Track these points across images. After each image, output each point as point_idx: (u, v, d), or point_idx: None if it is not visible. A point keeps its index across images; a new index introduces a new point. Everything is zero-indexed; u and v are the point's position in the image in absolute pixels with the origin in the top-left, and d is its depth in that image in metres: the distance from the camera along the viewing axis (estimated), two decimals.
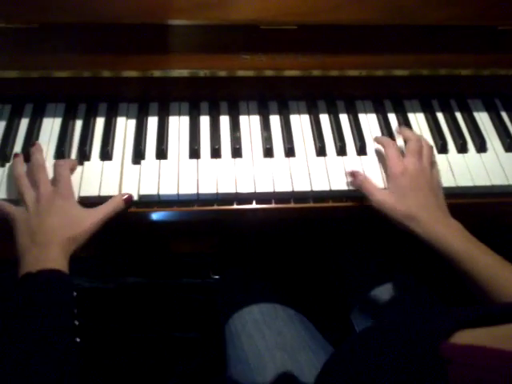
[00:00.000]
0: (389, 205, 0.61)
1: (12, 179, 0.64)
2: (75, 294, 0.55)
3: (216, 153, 0.69)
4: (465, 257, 0.56)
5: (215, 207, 0.66)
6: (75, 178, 0.65)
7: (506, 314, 0.39)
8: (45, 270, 0.53)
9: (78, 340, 0.52)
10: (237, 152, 0.69)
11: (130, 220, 0.67)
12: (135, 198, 0.64)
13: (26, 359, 0.47)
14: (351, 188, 0.67)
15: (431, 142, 0.73)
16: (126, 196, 0.63)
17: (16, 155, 0.65)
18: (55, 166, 0.63)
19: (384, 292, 0.76)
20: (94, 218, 0.60)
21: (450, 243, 0.57)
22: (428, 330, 0.39)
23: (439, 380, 0.33)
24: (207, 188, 0.65)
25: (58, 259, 0.55)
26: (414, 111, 0.77)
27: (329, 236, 0.92)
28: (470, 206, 0.69)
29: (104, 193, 0.64)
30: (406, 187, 0.61)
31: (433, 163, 0.67)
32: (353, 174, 0.66)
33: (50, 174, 0.64)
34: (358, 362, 0.42)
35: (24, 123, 0.71)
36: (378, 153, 0.71)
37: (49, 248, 0.55)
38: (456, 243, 0.57)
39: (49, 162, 0.66)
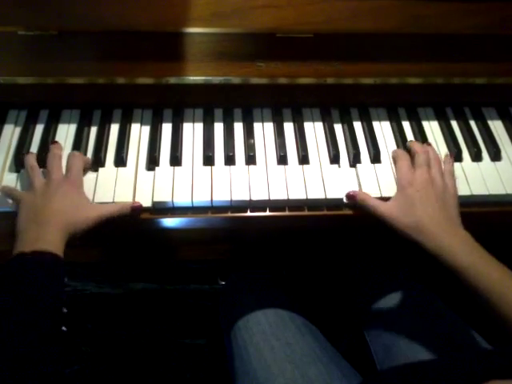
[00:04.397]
0: (394, 216, 0.61)
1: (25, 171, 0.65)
2: (66, 279, 0.55)
3: (230, 160, 0.69)
4: (471, 271, 0.55)
5: (229, 214, 0.66)
6: (90, 184, 0.65)
7: None
8: (39, 251, 0.53)
9: (64, 329, 0.51)
10: (251, 159, 0.69)
11: (144, 227, 0.67)
12: (149, 204, 0.64)
13: (7, 340, 0.46)
14: None
15: (445, 150, 0.73)
16: (135, 204, 0.63)
17: (28, 152, 0.67)
18: (68, 156, 0.65)
19: (395, 301, 0.75)
20: (97, 211, 0.60)
21: (456, 256, 0.56)
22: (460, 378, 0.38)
23: None
24: (221, 195, 0.65)
25: (54, 241, 0.55)
26: (428, 119, 0.77)
27: (340, 244, 0.92)
28: (484, 214, 0.69)
29: (118, 199, 0.64)
30: (413, 198, 0.61)
31: (448, 173, 0.66)
32: (351, 196, 0.66)
33: None
34: None
35: (39, 129, 0.72)
36: (392, 161, 0.71)
37: (47, 228, 0.55)
38: (462, 256, 0.56)
39: (63, 167, 0.67)
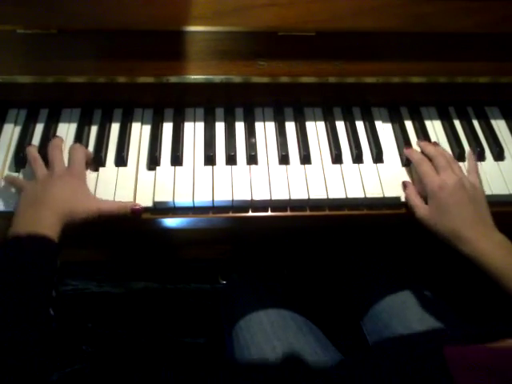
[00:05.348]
0: (432, 221, 0.61)
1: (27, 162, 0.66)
2: (59, 263, 0.55)
3: (231, 159, 0.68)
4: (506, 274, 0.55)
5: (230, 214, 0.65)
6: (90, 183, 0.65)
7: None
8: (33, 234, 0.53)
9: (52, 313, 0.51)
10: (252, 159, 0.69)
11: (145, 227, 0.67)
12: (150, 204, 0.64)
13: None
14: (367, 196, 0.66)
15: (448, 149, 0.73)
16: (136, 207, 0.63)
17: (29, 145, 0.68)
18: (70, 149, 0.65)
19: (394, 299, 0.75)
20: (97, 204, 0.61)
21: (493, 261, 0.56)
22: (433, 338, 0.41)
23: (443, 378, 0.35)
24: (222, 195, 0.65)
25: (50, 224, 0.55)
26: (431, 118, 0.76)
27: (340, 244, 0.92)
28: None
29: (119, 199, 0.64)
30: (447, 203, 0.61)
31: (474, 172, 0.67)
32: (404, 185, 0.67)
33: None
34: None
35: (39, 128, 0.71)
36: (394, 161, 0.70)
37: (44, 211, 0.56)
38: (499, 261, 0.56)
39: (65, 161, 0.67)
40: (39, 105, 0.73)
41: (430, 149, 0.68)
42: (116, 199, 0.64)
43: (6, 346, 0.46)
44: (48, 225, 0.55)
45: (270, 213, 0.66)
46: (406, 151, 0.69)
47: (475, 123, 0.76)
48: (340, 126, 0.74)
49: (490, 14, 0.67)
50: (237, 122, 0.73)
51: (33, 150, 0.66)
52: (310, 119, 0.74)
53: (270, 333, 0.69)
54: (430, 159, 0.66)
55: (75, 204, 0.58)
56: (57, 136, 0.68)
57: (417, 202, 0.63)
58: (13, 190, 0.64)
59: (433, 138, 0.73)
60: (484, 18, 0.67)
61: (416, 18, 0.65)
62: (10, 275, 0.50)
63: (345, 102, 0.76)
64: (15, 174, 0.66)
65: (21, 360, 0.46)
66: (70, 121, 0.72)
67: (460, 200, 0.61)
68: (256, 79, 0.68)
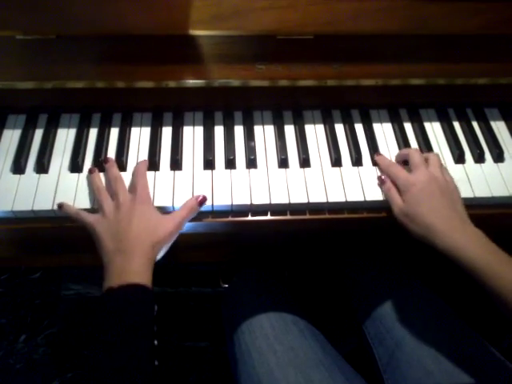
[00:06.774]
0: (406, 217, 0.61)
1: (91, 191, 0.65)
2: (156, 308, 0.54)
3: (230, 163, 0.68)
4: (483, 268, 0.54)
5: (230, 219, 0.65)
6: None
7: None
8: (125, 284, 0.52)
9: (156, 363, 0.50)
10: (251, 163, 0.68)
11: None
12: None
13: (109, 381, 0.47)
14: (367, 199, 0.66)
15: (448, 151, 0.73)
16: (200, 198, 0.63)
17: (91, 170, 0.66)
18: (133, 174, 0.64)
19: (397, 302, 0.75)
20: (173, 221, 0.60)
21: (467, 253, 0.55)
22: None
23: None
24: (222, 199, 0.65)
25: (141, 270, 0.54)
26: (431, 120, 0.76)
27: (341, 246, 0.92)
28: (488, 217, 0.68)
29: None
30: (418, 197, 0.60)
31: (444, 169, 0.66)
32: (382, 181, 0.66)
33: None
34: None
35: (38, 134, 0.71)
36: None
37: (133, 256, 0.55)
38: (475, 256, 0.55)
39: (63, 172, 0.67)
40: (38, 110, 0.73)
41: (404, 150, 0.69)
42: None
43: None
44: (139, 272, 0.54)
45: (269, 217, 0.66)
46: (376, 157, 0.70)
47: (475, 125, 0.76)
48: (339, 128, 0.74)
49: (489, 15, 0.67)
50: (236, 125, 0.73)
51: (97, 180, 0.63)
52: (309, 122, 0.74)
53: (271, 337, 0.69)
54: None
55: (157, 235, 0.58)
56: (108, 160, 0.66)
57: (395, 198, 0.63)
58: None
59: (432, 140, 0.73)
60: (484, 19, 0.67)
61: (416, 20, 0.65)
62: (113, 329, 0.50)
63: (344, 105, 0.75)
64: (14, 180, 0.66)
65: None
66: (69, 126, 0.72)
67: (431, 194, 0.60)
68: (255, 83, 0.68)
